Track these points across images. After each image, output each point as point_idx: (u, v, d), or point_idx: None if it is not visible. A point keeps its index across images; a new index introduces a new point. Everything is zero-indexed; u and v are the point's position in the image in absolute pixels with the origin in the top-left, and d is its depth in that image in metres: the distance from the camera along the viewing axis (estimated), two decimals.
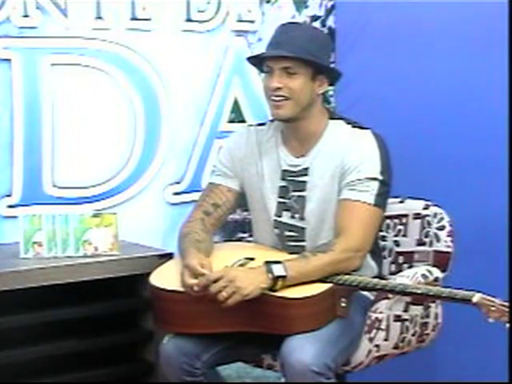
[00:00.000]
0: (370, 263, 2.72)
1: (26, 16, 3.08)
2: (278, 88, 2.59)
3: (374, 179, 2.59)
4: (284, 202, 2.71)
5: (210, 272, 2.51)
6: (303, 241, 2.69)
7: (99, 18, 3.21)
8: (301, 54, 2.57)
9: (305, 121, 2.66)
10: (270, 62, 2.62)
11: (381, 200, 2.61)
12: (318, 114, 2.68)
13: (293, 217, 2.70)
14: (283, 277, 2.47)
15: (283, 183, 2.71)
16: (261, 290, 2.45)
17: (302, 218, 2.68)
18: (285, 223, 2.71)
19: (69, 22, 3.15)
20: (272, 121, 2.78)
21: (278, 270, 2.48)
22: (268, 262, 2.50)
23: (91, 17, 3.20)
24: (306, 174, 2.68)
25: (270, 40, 2.67)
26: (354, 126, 2.68)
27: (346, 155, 2.62)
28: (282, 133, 2.74)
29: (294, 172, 2.70)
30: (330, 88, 3.52)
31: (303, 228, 2.69)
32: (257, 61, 2.70)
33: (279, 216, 2.72)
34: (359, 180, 2.59)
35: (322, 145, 2.67)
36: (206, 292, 2.47)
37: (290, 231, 2.71)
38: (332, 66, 2.68)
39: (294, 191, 2.69)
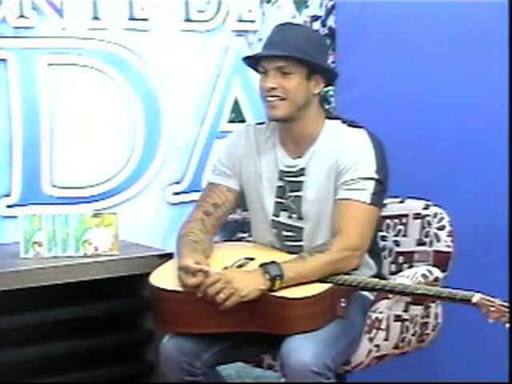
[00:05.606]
0: (368, 262, 2.72)
1: (22, 16, 3.08)
2: (273, 88, 2.59)
3: (370, 178, 2.59)
4: (282, 202, 2.70)
5: (207, 268, 2.51)
6: (301, 240, 2.69)
7: (96, 18, 3.21)
8: (294, 53, 2.57)
9: (300, 122, 2.65)
10: (264, 63, 2.62)
11: (377, 199, 2.61)
12: (314, 115, 2.67)
13: (290, 217, 2.70)
14: (280, 276, 2.47)
15: (280, 183, 2.71)
16: (259, 291, 2.45)
17: (300, 218, 2.68)
18: (283, 223, 2.71)
19: (65, 22, 3.15)
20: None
21: (274, 269, 2.48)
22: (264, 264, 2.50)
23: (88, 17, 3.19)
24: (302, 174, 2.68)
25: (265, 41, 2.67)
26: (349, 125, 2.68)
27: (340, 154, 2.62)
28: (279, 133, 2.74)
29: (291, 172, 2.69)
30: (330, 88, 3.53)
31: (301, 228, 2.69)
32: (253, 62, 2.70)
33: (277, 216, 2.71)
34: (355, 179, 2.59)
35: (319, 145, 2.67)
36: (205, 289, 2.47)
37: (287, 231, 2.71)
38: (328, 65, 2.66)
39: (291, 191, 2.69)
